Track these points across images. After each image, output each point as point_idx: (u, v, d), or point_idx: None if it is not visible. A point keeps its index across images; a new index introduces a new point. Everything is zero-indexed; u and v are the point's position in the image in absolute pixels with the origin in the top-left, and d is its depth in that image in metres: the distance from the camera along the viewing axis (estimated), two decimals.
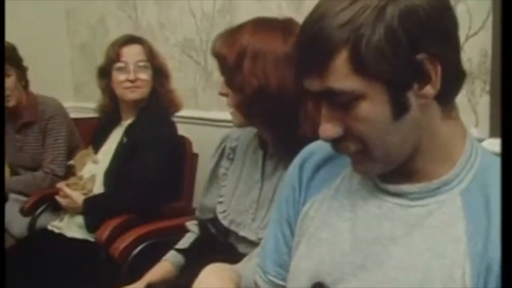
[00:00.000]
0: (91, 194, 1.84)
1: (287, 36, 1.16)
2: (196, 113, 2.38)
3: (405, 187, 0.78)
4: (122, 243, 1.60)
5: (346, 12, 0.71)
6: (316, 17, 0.74)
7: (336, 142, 0.78)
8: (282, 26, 1.20)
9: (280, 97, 1.15)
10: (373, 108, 0.72)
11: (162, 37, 2.59)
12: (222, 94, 1.27)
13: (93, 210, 1.77)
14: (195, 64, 2.43)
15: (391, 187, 0.79)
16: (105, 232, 1.65)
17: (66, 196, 1.84)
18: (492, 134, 1.42)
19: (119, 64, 1.87)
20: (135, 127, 1.88)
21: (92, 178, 1.88)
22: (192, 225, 1.48)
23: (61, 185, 1.91)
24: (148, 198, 1.76)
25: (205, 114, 2.35)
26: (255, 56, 1.15)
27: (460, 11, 1.50)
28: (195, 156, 2.00)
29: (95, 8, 3.12)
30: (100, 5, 3.08)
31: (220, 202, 1.36)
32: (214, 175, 1.42)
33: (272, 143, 1.26)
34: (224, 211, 1.33)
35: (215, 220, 1.37)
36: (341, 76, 0.72)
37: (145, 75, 1.89)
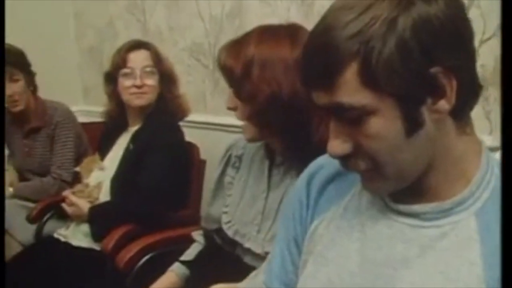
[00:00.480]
0: (97, 202, 1.82)
1: (295, 42, 1.13)
2: (205, 118, 2.35)
3: (417, 207, 0.74)
4: (128, 254, 1.57)
5: (355, 23, 0.67)
6: (323, 28, 0.70)
7: (345, 159, 0.75)
8: (288, 32, 1.17)
9: (292, 104, 1.12)
10: (385, 124, 0.69)
11: (171, 40, 2.57)
12: (230, 108, 1.23)
13: (99, 219, 1.74)
14: (204, 68, 2.40)
15: (402, 207, 0.75)
16: (111, 241, 1.62)
17: (72, 204, 1.82)
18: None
19: (125, 70, 1.84)
20: (141, 134, 1.86)
21: (99, 185, 1.85)
22: (198, 235, 1.45)
23: (67, 193, 1.89)
24: (155, 207, 1.73)
25: (214, 119, 2.32)
26: (264, 64, 1.12)
27: (473, 15, 1.46)
28: (203, 162, 1.97)
29: (104, 11, 3.11)
30: (109, 8, 3.06)
31: (225, 212, 1.32)
32: (220, 183, 1.39)
33: (281, 152, 1.22)
34: (229, 222, 1.30)
35: (220, 231, 1.34)
36: (351, 91, 0.68)
37: (151, 81, 1.87)
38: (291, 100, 1.12)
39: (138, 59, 1.86)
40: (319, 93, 0.72)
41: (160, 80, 1.89)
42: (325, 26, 0.70)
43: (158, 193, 1.73)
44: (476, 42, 1.46)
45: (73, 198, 1.82)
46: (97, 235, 1.71)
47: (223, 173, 1.38)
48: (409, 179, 0.73)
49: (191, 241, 1.46)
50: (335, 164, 0.86)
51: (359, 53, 0.67)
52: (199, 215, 1.92)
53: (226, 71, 1.17)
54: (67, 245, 1.82)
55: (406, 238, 0.73)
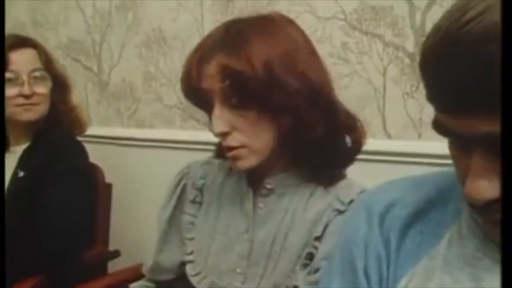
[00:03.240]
0: None
1: (300, 30, 0.93)
2: (91, 130, 1.97)
3: None
4: None
5: None
6: (475, 39, 0.50)
7: (484, 206, 0.55)
8: (286, 20, 0.95)
9: (328, 101, 0.92)
10: None
11: (38, 37, 2.11)
12: (222, 134, 0.90)
13: None
14: (86, 71, 2.01)
15: None
16: None
17: None
18: None
19: (8, 75, 1.42)
20: (33, 156, 1.45)
21: None
22: None
23: None
24: (61, 250, 1.35)
25: (104, 131, 1.96)
26: (285, 60, 0.88)
27: (434, 14, 1.37)
28: (108, 187, 1.62)
29: None
30: None
31: (191, 261, 1.03)
32: (172, 225, 1.09)
33: (275, 175, 0.96)
34: (198, 273, 1.01)
35: (176, 282, 1.06)
36: None
37: (43, 89, 1.46)
38: (325, 94, 0.91)
39: (23, 61, 1.44)
40: (474, 120, 0.52)
41: (52, 87, 1.49)
42: (478, 36, 0.50)
43: (63, 234, 1.35)
44: None
45: None
46: None
47: (176, 211, 1.09)
48: None
49: None
50: (412, 199, 0.67)
51: None
52: (108, 251, 1.58)
53: (236, 76, 0.87)
54: None
55: None
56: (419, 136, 1.44)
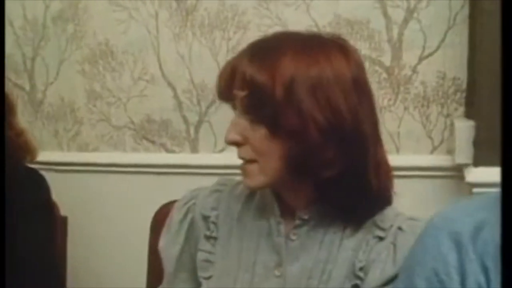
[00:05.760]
0: None
1: (348, 57, 0.84)
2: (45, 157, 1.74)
3: None
4: None
5: None
6: None
7: None
8: (335, 44, 0.87)
9: (353, 137, 0.83)
10: None
11: None
12: (234, 143, 0.86)
13: None
14: (15, 88, 1.78)
15: None
16: None
17: None
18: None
19: None
20: None
21: None
22: None
23: None
24: None
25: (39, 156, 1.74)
26: (313, 85, 0.80)
27: (412, 29, 1.37)
28: (64, 221, 1.43)
29: None
30: None
31: None
32: (181, 264, 0.97)
33: (308, 205, 0.89)
34: None
35: None
36: None
37: None
38: (353, 132, 0.82)
39: None
40: None
41: None
42: None
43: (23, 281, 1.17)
44: (416, 59, 1.40)
45: None
46: None
47: (185, 248, 0.97)
48: None
49: None
50: (495, 220, 0.63)
51: None
52: None
53: (256, 88, 0.81)
54: None
55: None
56: (397, 150, 1.43)
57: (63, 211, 1.46)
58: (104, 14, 1.64)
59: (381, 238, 0.86)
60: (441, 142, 1.40)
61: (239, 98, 0.84)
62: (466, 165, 1.29)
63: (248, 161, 0.86)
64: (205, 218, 0.96)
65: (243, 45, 1.46)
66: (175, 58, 1.59)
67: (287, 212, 0.90)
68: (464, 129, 1.29)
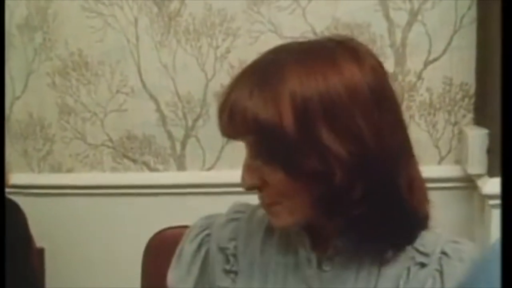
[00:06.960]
0: None
1: (361, 63, 0.72)
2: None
3: None
4: None
5: None
6: None
7: None
8: (344, 50, 0.75)
9: (380, 163, 0.72)
10: None
11: None
12: (252, 188, 0.74)
13: None
14: None
15: None
16: None
17: None
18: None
19: None
20: None
21: None
22: None
23: None
24: None
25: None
26: (327, 109, 0.69)
27: (417, 33, 1.30)
28: (41, 253, 1.28)
29: None
30: None
31: None
32: None
33: (340, 236, 0.78)
34: None
35: None
36: None
37: None
38: (380, 159, 0.72)
39: None
40: None
41: None
42: None
43: None
44: (420, 64, 1.33)
45: None
46: None
47: (199, 283, 0.85)
48: None
49: None
50: None
51: None
52: None
53: (262, 130, 0.68)
54: None
55: None
56: None
57: (37, 241, 1.31)
58: (77, 21, 1.50)
59: (423, 265, 0.77)
60: (449, 151, 1.32)
61: (246, 142, 0.74)
62: (480, 175, 1.22)
63: (270, 204, 0.75)
64: (223, 250, 0.84)
65: (233, 53, 1.43)
66: (157, 68, 1.47)
67: (318, 241, 0.79)
68: (477, 137, 1.21)
